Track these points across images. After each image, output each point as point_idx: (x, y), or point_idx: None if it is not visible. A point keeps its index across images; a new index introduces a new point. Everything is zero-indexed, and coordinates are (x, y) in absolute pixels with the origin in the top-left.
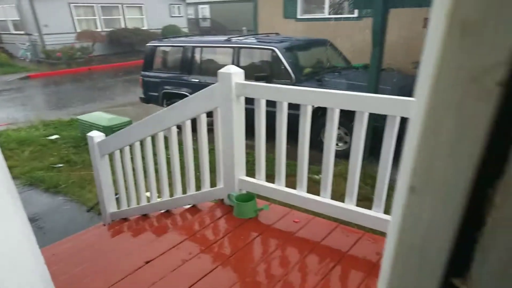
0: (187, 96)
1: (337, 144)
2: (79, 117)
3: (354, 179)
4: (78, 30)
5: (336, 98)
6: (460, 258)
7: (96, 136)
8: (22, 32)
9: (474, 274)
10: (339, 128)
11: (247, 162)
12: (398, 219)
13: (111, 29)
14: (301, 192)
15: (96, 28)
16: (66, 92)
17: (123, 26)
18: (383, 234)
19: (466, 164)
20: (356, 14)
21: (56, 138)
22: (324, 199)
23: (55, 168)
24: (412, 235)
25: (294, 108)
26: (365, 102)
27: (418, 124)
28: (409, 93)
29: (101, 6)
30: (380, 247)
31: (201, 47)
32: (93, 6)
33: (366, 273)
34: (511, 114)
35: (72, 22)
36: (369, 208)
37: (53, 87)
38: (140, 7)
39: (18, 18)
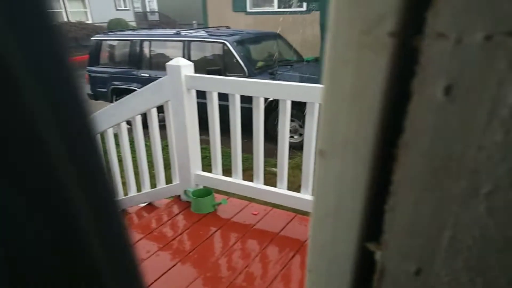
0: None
1: (292, 137)
2: None
3: (309, 169)
4: None
5: (286, 90)
6: (374, 222)
7: None
8: None
9: (386, 236)
10: (293, 121)
11: (204, 157)
12: (315, 186)
13: None
14: (258, 184)
15: None
16: None
17: (65, 19)
18: None
19: (367, 121)
20: (304, 7)
21: None
22: (281, 190)
23: None
24: (326, 201)
25: (249, 101)
26: (315, 93)
27: (324, 84)
28: None
29: None
30: None
31: (150, 41)
32: None
33: None
34: (407, 67)
35: None
36: None
37: None
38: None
39: None
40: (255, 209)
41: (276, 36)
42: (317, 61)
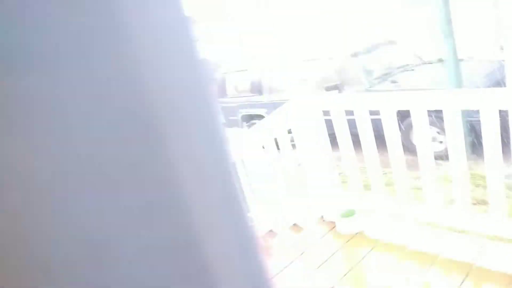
0: (262, 115)
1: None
2: None
3: (461, 179)
4: None
5: (418, 99)
6: None
7: None
8: None
9: None
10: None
11: (341, 175)
12: None
13: None
14: (400, 200)
15: None
16: None
17: None
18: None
19: None
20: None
21: None
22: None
23: None
24: None
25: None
26: (454, 99)
27: None
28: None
29: None
30: None
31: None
32: None
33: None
34: None
35: None
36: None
37: None
38: None
39: None
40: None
41: (392, 42)
42: (441, 61)
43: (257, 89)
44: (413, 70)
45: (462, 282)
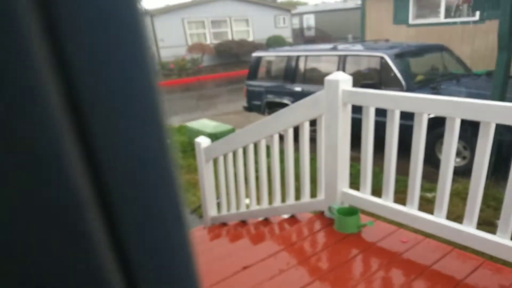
0: (288, 105)
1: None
2: (187, 123)
3: (476, 198)
4: (189, 43)
5: (457, 107)
6: None
7: (203, 141)
8: None
9: None
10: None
11: (350, 174)
12: None
13: (218, 41)
14: (411, 209)
15: (206, 40)
16: (176, 100)
17: (230, 38)
18: (507, 264)
19: None
20: (477, 17)
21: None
22: (439, 218)
23: None
24: None
25: (403, 118)
26: (493, 111)
27: None
28: None
29: (211, 21)
30: (504, 279)
31: (306, 56)
32: (203, 20)
33: None
34: None
35: (184, 36)
36: (492, 232)
37: (165, 96)
38: (247, 20)
39: None
40: (405, 236)
41: (441, 48)
42: (489, 75)
43: (290, 77)
44: (457, 80)
45: None
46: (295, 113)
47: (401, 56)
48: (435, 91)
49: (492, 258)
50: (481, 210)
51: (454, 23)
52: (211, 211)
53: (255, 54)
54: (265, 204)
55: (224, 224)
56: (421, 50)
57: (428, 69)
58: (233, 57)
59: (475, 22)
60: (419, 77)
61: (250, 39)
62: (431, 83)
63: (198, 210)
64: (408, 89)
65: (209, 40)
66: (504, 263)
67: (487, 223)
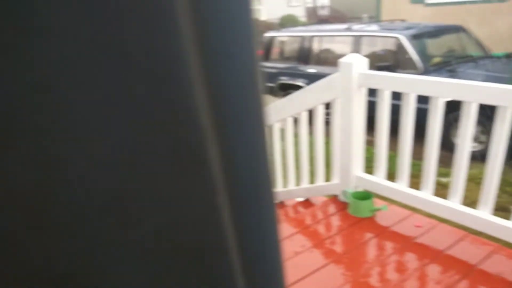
0: (302, 87)
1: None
2: None
3: (492, 183)
4: None
5: (475, 91)
6: None
7: None
8: None
9: None
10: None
11: (365, 158)
12: None
13: None
14: (426, 194)
15: None
16: None
17: None
18: None
19: None
20: None
21: None
22: (453, 203)
23: None
24: None
25: (420, 102)
26: (511, 96)
27: None
28: None
29: None
30: None
31: (320, 36)
32: None
33: None
34: None
35: None
36: (507, 218)
37: None
38: None
39: None
40: (419, 221)
41: (459, 29)
42: (509, 57)
43: (303, 58)
44: (475, 62)
45: (459, 281)
46: (309, 97)
47: (418, 37)
48: (452, 73)
49: (507, 244)
50: (497, 196)
51: (474, 2)
52: None
53: (268, 35)
54: (279, 187)
55: None
56: (438, 31)
57: (445, 51)
58: None
59: (496, 1)
60: (436, 59)
61: (262, 18)
62: (448, 65)
63: None
64: (425, 72)
65: None
66: None
67: (503, 208)
